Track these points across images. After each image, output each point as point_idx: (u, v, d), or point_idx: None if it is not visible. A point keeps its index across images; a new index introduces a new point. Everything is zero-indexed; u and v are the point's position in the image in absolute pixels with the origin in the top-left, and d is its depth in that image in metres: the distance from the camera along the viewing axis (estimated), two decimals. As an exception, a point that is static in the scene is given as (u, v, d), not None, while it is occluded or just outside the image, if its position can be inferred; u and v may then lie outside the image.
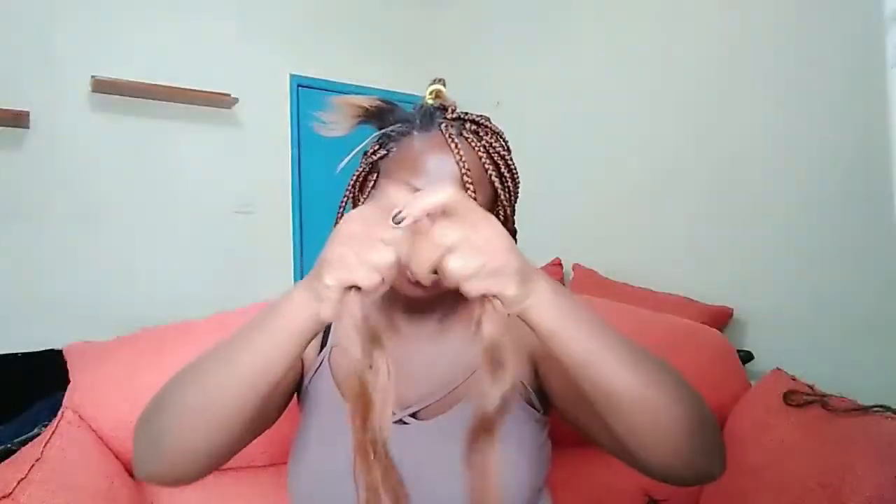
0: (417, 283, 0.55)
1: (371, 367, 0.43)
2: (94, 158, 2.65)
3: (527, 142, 2.94)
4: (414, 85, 3.55)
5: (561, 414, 0.64)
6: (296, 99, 3.19)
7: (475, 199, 0.55)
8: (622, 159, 2.47)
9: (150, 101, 2.77)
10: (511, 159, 0.60)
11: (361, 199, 0.63)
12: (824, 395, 0.85)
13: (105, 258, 2.66)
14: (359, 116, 0.61)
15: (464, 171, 0.55)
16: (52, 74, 2.55)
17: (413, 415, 0.62)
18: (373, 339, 0.44)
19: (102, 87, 2.60)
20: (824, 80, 1.73)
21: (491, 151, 0.58)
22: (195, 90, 2.80)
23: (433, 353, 0.65)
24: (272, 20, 3.13)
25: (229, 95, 2.87)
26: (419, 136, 0.58)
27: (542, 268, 2.69)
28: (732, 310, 1.95)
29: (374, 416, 0.43)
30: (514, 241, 0.45)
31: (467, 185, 0.55)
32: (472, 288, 0.40)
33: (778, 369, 1.00)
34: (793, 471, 0.76)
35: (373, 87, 3.40)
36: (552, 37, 2.84)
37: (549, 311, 0.44)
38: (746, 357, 1.83)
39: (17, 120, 2.41)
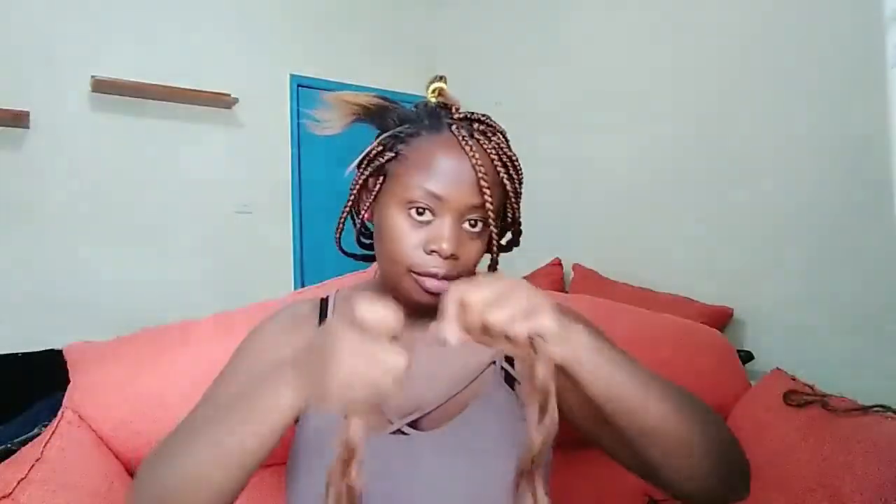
0: (429, 292, 0.55)
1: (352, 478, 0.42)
2: (94, 158, 2.65)
3: (527, 142, 2.94)
4: (414, 85, 3.55)
5: (574, 427, 0.62)
6: (296, 99, 3.19)
7: (491, 202, 0.54)
8: (622, 159, 2.47)
9: (150, 101, 2.77)
10: (517, 158, 0.59)
11: (366, 205, 0.60)
12: (824, 395, 0.85)
13: (105, 258, 2.66)
14: (355, 115, 0.59)
15: (480, 174, 0.54)
16: (52, 74, 2.55)
17: (413, 424, 0.59)
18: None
19: (102, 87, 2.60)
20: (824, 80, 1.73)
21: (500, 153, 0.57)
22: (195, 90, 2.80)
23: (431, 357, 0.62)
24: (272, 20, 3.13)
25: (229, 95, 2.87)
26: (429, 137, 0.56)
27: (542, 268, 2.69)
28: (732, 310, 1.95)
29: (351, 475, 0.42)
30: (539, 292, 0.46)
31: (484, 190, 0.54)
32: (518, 332, 0.41)
33: (778, 369, 1.00)
34: (793, 471, 0.76)
35: (373, 87, 3.40)
36: (552, 37, 2.84)
37: (591, 353, 0.45)
38: (746, 357, 1.83)
39: (17, 120, 2.41)
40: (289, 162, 3.16)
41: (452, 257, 0.54)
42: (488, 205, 0.54)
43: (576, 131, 2.69)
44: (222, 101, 2.88)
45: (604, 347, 0.47)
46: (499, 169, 0.56)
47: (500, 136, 0.58)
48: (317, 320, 0.66)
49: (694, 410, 0.50)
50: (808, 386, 0.90)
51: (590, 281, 2.46)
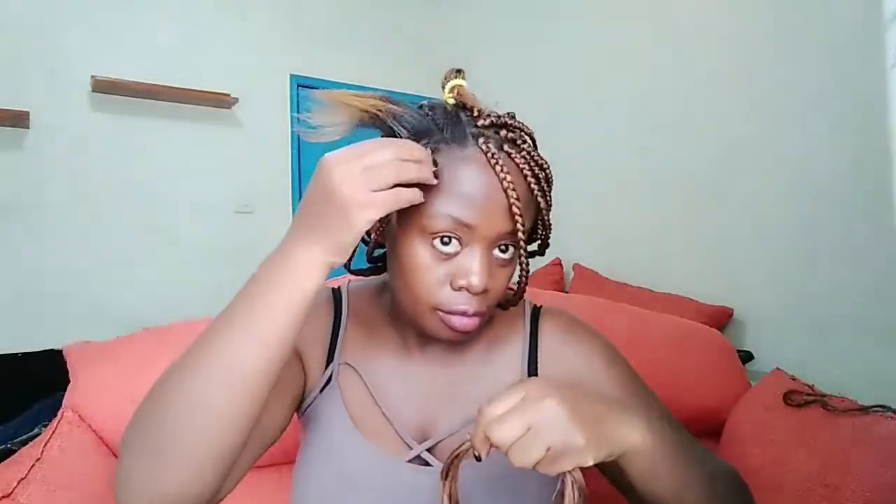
0: (454, 329, 0.50)
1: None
2: (94, 158, 2.65)
3: (527, 142, 2.94)
4: (414, 85, 3.56)
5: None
6: (296, 99, 3.19)
7: (524, 227, 0.48)
8: (622, 159, 2.47)
9: (150, 101, 2.77)
10: (548, 165, 0.52)
11: (378, 230, 0.52)
12: (824, 395, 0.85)
13: (105, 258, 2.65)
14: (359, 119, 0.50)
15: (513, 199, 0.47)
16: (52, 74, 2.55)
17: (432, 451, 0.56)
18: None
19: (102, 87, 2.60)
20: (824, 80, 1.73)
21: (532, 164, 0.49)
22: (195, 90, 2.80)
23: (450, 378, 0.58)
24: (272, 20, 3.13)
25: (229, 95, 2.87)
26: (451, 152, 0.48)
27: (542, 268, 2.69)
28: (732, 310, 1.95)
29: None
30: (583, 399, 0.42)
31: (517, 216, 0.47)
32: (546, 471, 0.39)
33: (778, 369, 1.00)
34: (793, 471, 0.76)
35: (373, 87, 3.40)
36: (552, 36, 2.84)
37: (642, 459, 0.43)
38: (746, 357, 1.83)
39: (17, 120, 2.41)
40: (289, 162, 3.16)
41: (483, 292, 0.49)
42: (521, 229, 0.48)
43: (576, 131, 2.69)
44: (222, 101, 2.87)
45: (657, 449, 0.44)
46: (532, 186, 0.49)
47: (530, 141, 0.51)
48: (332, 307, 0.62)
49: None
50: (808, 386, 0.90)
51: (590, 281, 2.46)
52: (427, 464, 0.55)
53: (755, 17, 1.94)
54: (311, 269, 0.42)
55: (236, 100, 2.90)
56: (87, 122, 2.65)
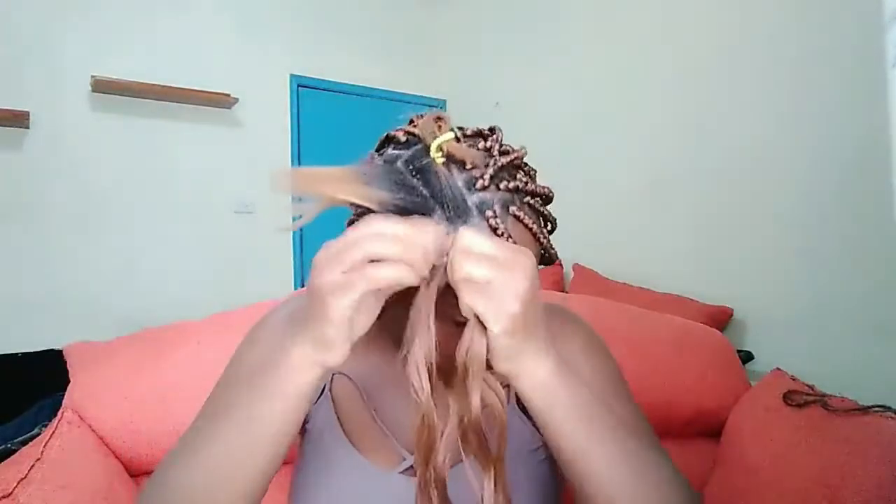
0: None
1: (436, 406, 0.41)
2: (94, 158, 2.65)
3: (527, 142, 2.94)
4: (414, 85, 3.57)
5: None
6: (296, 99, 3.19)
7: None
8: (622, 159, 2.47)
9: (150, 101, 2.77)
10: (548, 194, 0.50)
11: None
12: (824, 395, 0.85)
13: (105, 258, 2.66)
14: (332, 205, 0.44)
15: None
16: (52, 74, 2.55)
17: None
18: (440, 373, 0.41)
19: (102, 87, 2.60)
20: (824, 80, 1.73)
21: (538, 216, 0.48)
22: (195, 90, 2.80)
23: (440, 385, 0.59)
24: (272, 20, 3.13)
25: (229, 95, 2.87)
26: (450, 230, 0.42)
27: (542, 268, 2.68)
28: (732, 310, 1.95)
29: (437, 459, 0.42)
30: (539, 304, 0.41)
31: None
32: (465, 297, 0.38)
33: (778, 369, 1.00)
34: (793, 471, 0.76)
35: (373, 86, 3.40)
36: (552, 37, 2.84)
37: (539, 390, 0.42)
38: (746, 357, 1.84)
39: (17, 120, 2.41)
40: (289, 162, 3.16)
41: None
42: None
43: (575, 131, 2.69)
44: (222, 101, 2.88)
45: (561, 391, 0.42)
46: (540, 238, 0.48)
47: (530, 180, 0.48)
48: None
49: (660, 484, 0.44)
50: (808, 386, 0.90)
51: (590, 281, 2.46)
52: None
53: (755, 18, 1.94)
54: (302, 367, 0.40)
55: (236, 100, 2.90)
56: (87, 122, 2.65)
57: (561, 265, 2.71)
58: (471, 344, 0.40)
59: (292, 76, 3.18)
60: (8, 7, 2.48)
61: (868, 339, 1.60)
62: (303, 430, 0.60)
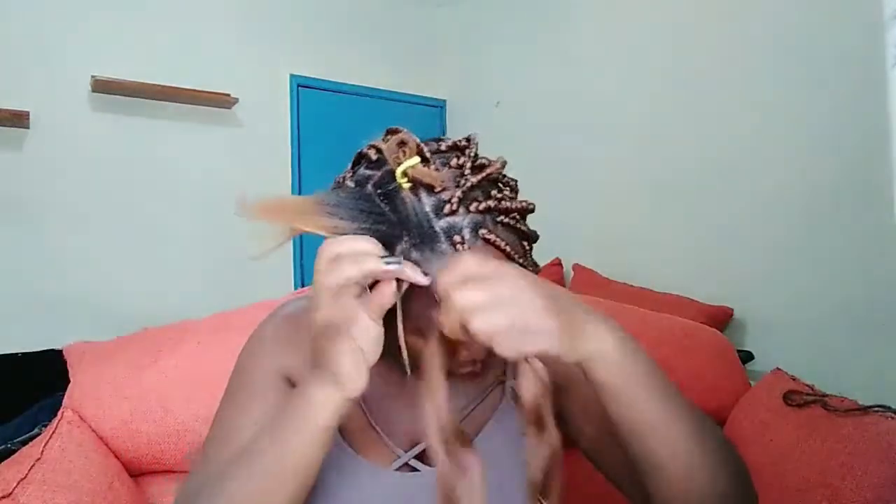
0: (473, 362, 0.48)
1: (460, 472, 0.41)
2: (94, 158, 2.65)
3: (527, 142, 2.96)
4: (414, 85, 3.57)
5: (575, 442, 0.59)
6: (296, 99, 3.19)
7: None
8: (622, 159, 2.47)
9: (151, 101, 2.77)
10: (526, 207, 0.48)
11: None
12: (824, 395, 0.85)
13: (105, 258, 2.65)
14: (295, 234, 0.44)
15: None
16: (52, 74, 2.55)
17: (422, 459, 0.56)
18: (458, 437, 0.41)
19: (102, 87, 2.60)
20: (824, 81, 1.73)
21: (511, 235, 0.47)
22: (195, 90, 2.80)
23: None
24: (272, 20, 3.13)
25: (229, 95, 2.87)
26: (422, 253, 0.42)
27: (543, 268, 2.68)
28: (732, 310, 1.95)
29: None
30: (556, 294, 0.40)
31: None
32: (505, 350, 0.37)
33: (778, 369, 1.00)
34: (793, 471, 0.76)
35: (373, 86, 3.40)
36: (552, 37, 2.84)
37: (611, 368, 0.41)
38: (746, 357, 1.83)
39: (17, 120, 2.41)
40: (289, 162, 3.16)
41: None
42: None
43: (576, 131, 2.69)
44: (222, 101, 2.87)
45: (629, 364, 0.41)
46: (517, 259, 0.47)
47: (507, 197, 0.47)
48: None
49: (723, 455, 0.45)
50: (808, 386, 0.90)
51: (590, 281, 2.46)
52: (415, 469, 0.56)
53: (755, 17, 1.94)
54: (326, 405, 0.43)
55: (236, 100, 2.89)
56: (87, 122, 2.64)
57: (561, 265, 2.71)
58: (528, 381, 0.41)
59: (292, 76, 3.18)
60: (8, 7, 2.47)
61: (868, 339, 1.60)
62: None
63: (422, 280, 0.41)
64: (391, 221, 0.43)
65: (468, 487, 0.41)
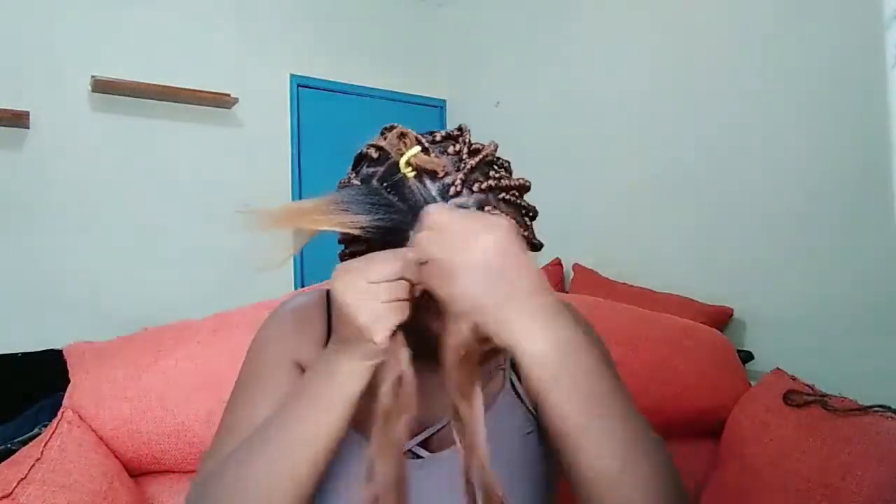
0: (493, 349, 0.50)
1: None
2: (94, 158, 2.65)
3: (527, 142, 2.96)
4: (414, 85, 3.56)
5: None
6: (296, 99, 3.19)
7: None
8: (622, 159, 2.47)
9: (151, 101, 2.77)
10: (524, 185, 0.51)
11: None
12: (824, 395, 0.85)
13: (105, 258, 2.65)
14: (312, 236, 0.47)
15: None
16: (52, 74, 2.55)
17: (426, 445, 0.57)
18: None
19: (102, 87, 2.60)
20: (824, 81, 1.73)
21: (518, 209, 0.50)
22: (195, 90, 2.80)
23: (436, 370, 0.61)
24: (272, 20, 3.13)
25: (229, 95, 2.87)
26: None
27: (543, 268, 2.69)
28: (732, 310, 1.95)
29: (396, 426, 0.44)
30: (518, 273, 0.40)
31: None
32: (431, 280, 0.40)
33: (778, 369, 1.00)
34: (793, 471, 0.76)
35: (373, 87, 3.40)
36: (552, 37, 2.84)
37: (535, 368, 0.39)
38: (746, 357, 1.83)
39: (17, 120, 2.41)
40: (289, 162, 3.16)
41: None
42: None
43: (575, 130, 2.69)
44: (222, 101, 2.87)
45: (561, 362, 0.39)
46: (521, 232, 0.49)
47: (504, 176, 0.49)
48: (324, 310, 0.62)
49: (656, 468, 0.41)
50: (808, 386, 0.90)
51: (590, 281, 2.46)
52: (418, 456, 0.56)
53: (755, 18, 1.94)
54: (353, 374, 0.44)
55: (236, 100, 2.89)
56: (87, 122, 2.64)
57: (561, 265, 2.71)
58: (450, 331, 0.41)
59: (292, 76, 3.18)
60: (8, 7, 2.48)
61: (868, 339, 1.60)
62: None
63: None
64: (402, 210, 0.45)
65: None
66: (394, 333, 0.43)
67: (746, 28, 1.97)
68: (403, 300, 0.43)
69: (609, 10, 2.54)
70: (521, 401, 0.60)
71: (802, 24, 1.80)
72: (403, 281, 0.43)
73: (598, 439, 0.40)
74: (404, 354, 0.44)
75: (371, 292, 0.42)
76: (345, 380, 0.44)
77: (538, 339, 0.39)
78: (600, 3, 2.59)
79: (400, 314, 0.43)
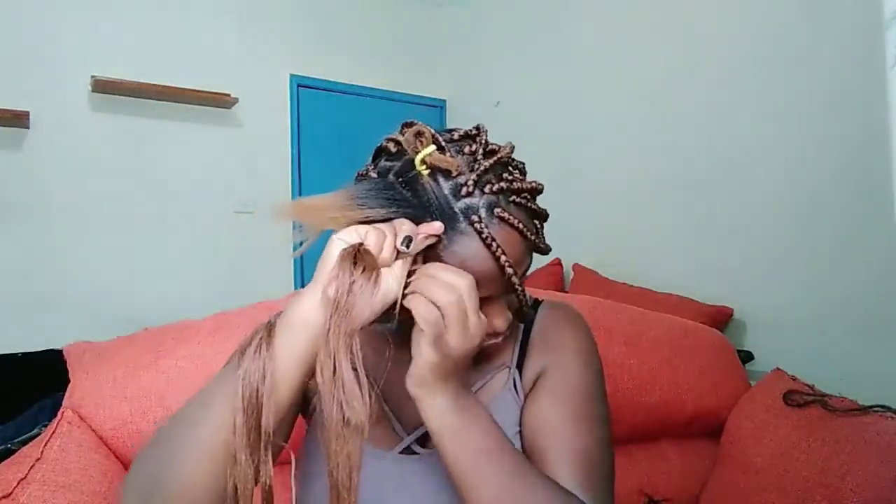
0: (495, 334, 0.53)
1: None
2: (94, 158, 2.65)
3: (527, 142, 2.94)
4: (414, 85, 3.57)
5: None
6: (296, 99, 3.19)
7: (521, 286, 0.50)
8: (622, 159, 2.47)
9: (151, 101, 2.77)
10: (537, 188, 0.51)
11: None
12: (824, 395, 0.85)
13: (105, 258, 2.65)
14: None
15: (510, 274, 0.48)
16: (52, 74, 2.55)
17: (422, 442, 0.57)
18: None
19: (102, 87, 2.60)
20: (824, 81, 1.73)
21: (527, 214, 0.50)
22: (195, 90, 2.80)
23: None
24: (272, 20, 3.13)
25: (229, 95, 2.87)
26: (445, 237, 0.47)
27: (543, 268, 2.69)
28: (732, 310, 1.95)
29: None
30: (459, 353, 0.46)
31: (513, 280, 0.48)
32: (412, 305, 0.44)
33: (778, 369, 1.00)
34: (793, 471, 0.76)
35: (373, 86, 3.40)
36: (552, 37, 2.84)
37: (437, 440, 0.47)
38: (746, 357, 1.83)
39: (17, 120, 2.41)
40: (289, 162, 3.16)
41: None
42: (519, 290, 0.50)
43: (576, 131, 2.69)
44: (222, 101, 2.87)
45: (453, 422, 0.47)
46: (530, 237, 0.50)
47: (518, 179, 0.50)
48: None
49: None
50: (808, 386, 0.90)
51: (590, 281, 2.46)
52: (415, 452, 0.57)
53: (755, 17, 1.94)
54: (312, 306, 0.42)
55: (236, 100, 2.90)
56: (87, 122, 2.65)
57: (561, 265, 2.71)
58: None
59: (292, 76, 3.18)
60: (8, 7, 2.48)
61: (868, 339, 1.60)
62: (309, 418, 0.62)
63: (435, 228, 0.45)
64: (414, 206, 0.46)
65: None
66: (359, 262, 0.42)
67: (746, 28, 1.97)
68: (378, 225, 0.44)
69: (609, 11, 2.54)
70: (521, 400, 0.61)
71: (802, 25, 1.80)
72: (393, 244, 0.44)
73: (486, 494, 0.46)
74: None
75: (360, 230, 0.43)
76: (306, 313, 0.42)
77: (435, 421, 0.47)
78: (601, 3, 2.59)
79: (375, 238, 0.43)
